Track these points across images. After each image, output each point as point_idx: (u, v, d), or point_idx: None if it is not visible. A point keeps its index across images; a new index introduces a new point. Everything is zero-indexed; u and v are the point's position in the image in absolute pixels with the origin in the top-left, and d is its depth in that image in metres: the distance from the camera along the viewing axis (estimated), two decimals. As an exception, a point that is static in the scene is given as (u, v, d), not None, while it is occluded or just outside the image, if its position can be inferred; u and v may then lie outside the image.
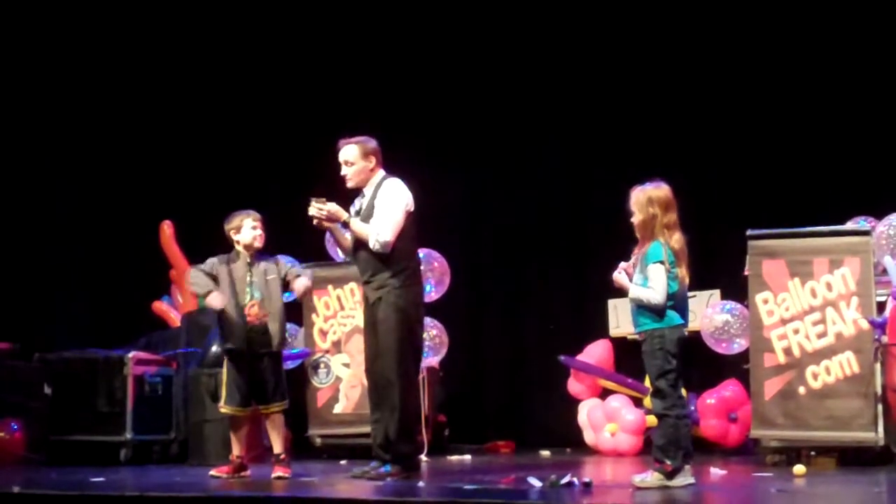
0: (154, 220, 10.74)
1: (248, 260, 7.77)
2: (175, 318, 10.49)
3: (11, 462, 9.18)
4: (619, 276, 6.70)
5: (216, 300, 7.59)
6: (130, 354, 9.41)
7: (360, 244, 7.40)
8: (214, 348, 9.07)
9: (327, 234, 9.66)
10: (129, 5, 11.43)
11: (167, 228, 10.67)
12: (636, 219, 6.64)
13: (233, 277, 7.70)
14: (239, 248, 7.80)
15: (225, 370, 7.72)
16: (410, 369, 7.39)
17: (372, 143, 7.49)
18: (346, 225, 7.39)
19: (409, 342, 7.36)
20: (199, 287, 7.71)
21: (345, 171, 7.47)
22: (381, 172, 7.50)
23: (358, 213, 7.45)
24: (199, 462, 8.91)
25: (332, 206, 7.34)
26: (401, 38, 11.09)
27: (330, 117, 11.15)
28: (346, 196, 7.58)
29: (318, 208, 7.30)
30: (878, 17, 9.72)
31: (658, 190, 6.63)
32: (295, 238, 9.40)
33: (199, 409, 9.10)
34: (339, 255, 7.84)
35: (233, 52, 11.42)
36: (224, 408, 7.71)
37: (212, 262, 7.79)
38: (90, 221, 11.52)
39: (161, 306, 10.77)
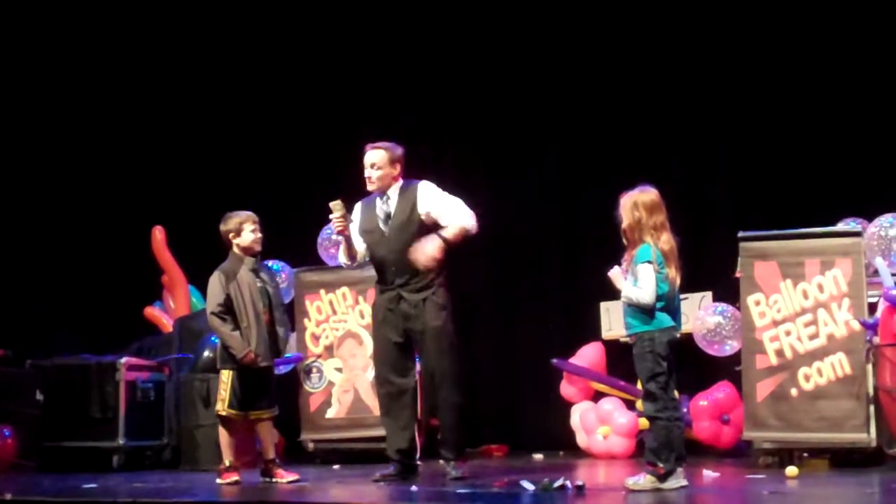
0: (146, 226, 10.73)
1: (252, 265, 7.68)
2: (167, 324, 10.48)
3: (3, 469, 9.16)
4: (613, 272, 6.73)
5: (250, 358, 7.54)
6: (122, 360, 9.40)
7: (392, 247, 7.45)
8: (207, 353, 9.07)
9: (318, 238, 9.68)
10: (120, 8, 11.42)
11: (158, 234, 10.67)
12: (624, 223, 6.69)
13: (243, 290, 7.58)
14: (237, 251, 7.72)
15: (228, 376, 7.60)
16: (459, 365, 7.63)
17: (399, 151, 7.62)
18: (444, 241, 7.38)
19: (455, 338, 7.57)
20: (235, 349, 7.52)
21: (370, 173, 7.55)
22: (401, 179, 7.62)
23: (388, 216, 7.52)
24: (192, 467, 8.92)
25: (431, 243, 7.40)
26: (394, 42, 11.09)
27: (320, 121, 11.17)
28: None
29: (342, 214, 7.40)
30: (870, 20, 9.73)
31: (643, 194, 6.68)
32: (285, 242, 9.40)
33: (191, 415, 9.10)
34: (341, 260, 7.81)
35: (223, 57, 11.41)
36: (224, 411, 7.59)
37: (221, 288, 7.58)
38: (82, 227, 11.49)
39: (153, 312, 10.77)
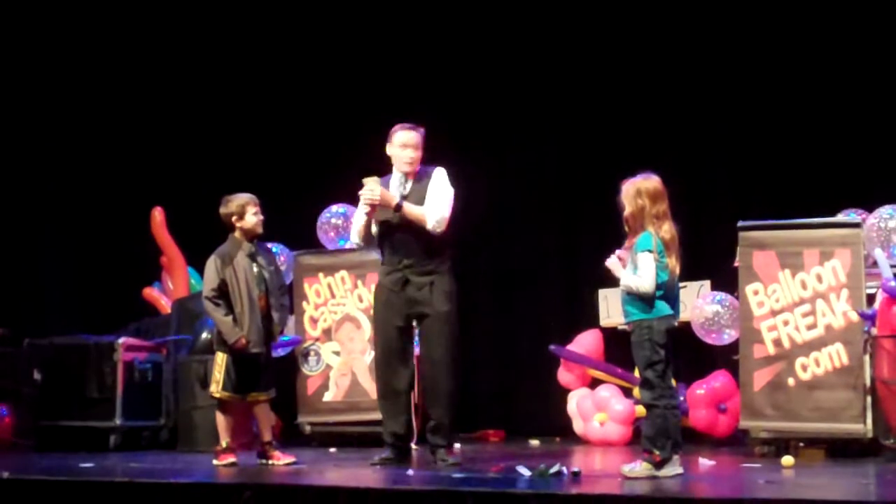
0: (145, 207, 10.72)
1: (250, 250, 7.66)
2: (165, 305, 10.48)
3: (1, 447, 9.17)
4: (611, 260, 6.73)
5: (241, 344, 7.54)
6: (120, 340, 9.41)
7: (403, 228, 7.43)
8: (205, 335, 9.08)
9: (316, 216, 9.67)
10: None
11: (158, 215, 10.66)
12: (626, 211, 6.66)
13: (238, 275, 7.56)
14: (237, 234, 7.70)
15: (222, 358, 7.61)
16: (459, 353, 7.64)
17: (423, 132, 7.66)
18: (397, 208, 7.39)
19: (458, 326, 7.57)
20: (226, 335, 7.52)
21: (413, 155, 7.54)
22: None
23: (404, 198, 7.49)
24: (189, 449, 8.93)
25: (383, 189, 7.40)
26: (395, 28, 11.07)
27: (320, 104, 11.16)
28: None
29: (372, 189, 7.35)
30: (870, 13, 9.72)
31: (647, 181, 6.65)
32: (285, 225, 9.39)
33: (188, 396, 9.11)
34: (353, 239, 7.78)
35: (221, 37, 11.39)
36: (218, 393, 7.61)
37: (216, 273, 7.57)
38: (81, 207, 11.50)
39: (152, 293, 10.77)
